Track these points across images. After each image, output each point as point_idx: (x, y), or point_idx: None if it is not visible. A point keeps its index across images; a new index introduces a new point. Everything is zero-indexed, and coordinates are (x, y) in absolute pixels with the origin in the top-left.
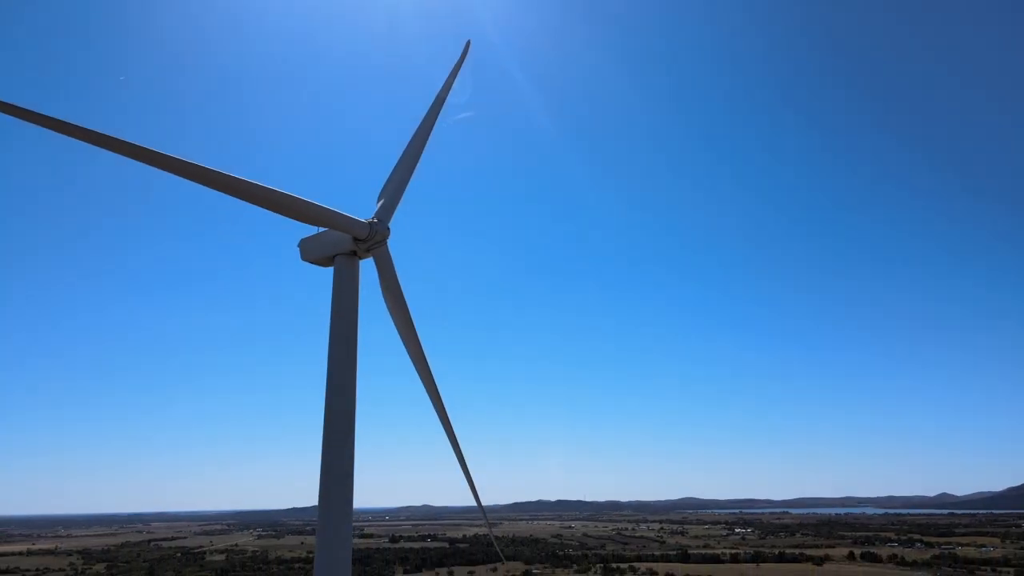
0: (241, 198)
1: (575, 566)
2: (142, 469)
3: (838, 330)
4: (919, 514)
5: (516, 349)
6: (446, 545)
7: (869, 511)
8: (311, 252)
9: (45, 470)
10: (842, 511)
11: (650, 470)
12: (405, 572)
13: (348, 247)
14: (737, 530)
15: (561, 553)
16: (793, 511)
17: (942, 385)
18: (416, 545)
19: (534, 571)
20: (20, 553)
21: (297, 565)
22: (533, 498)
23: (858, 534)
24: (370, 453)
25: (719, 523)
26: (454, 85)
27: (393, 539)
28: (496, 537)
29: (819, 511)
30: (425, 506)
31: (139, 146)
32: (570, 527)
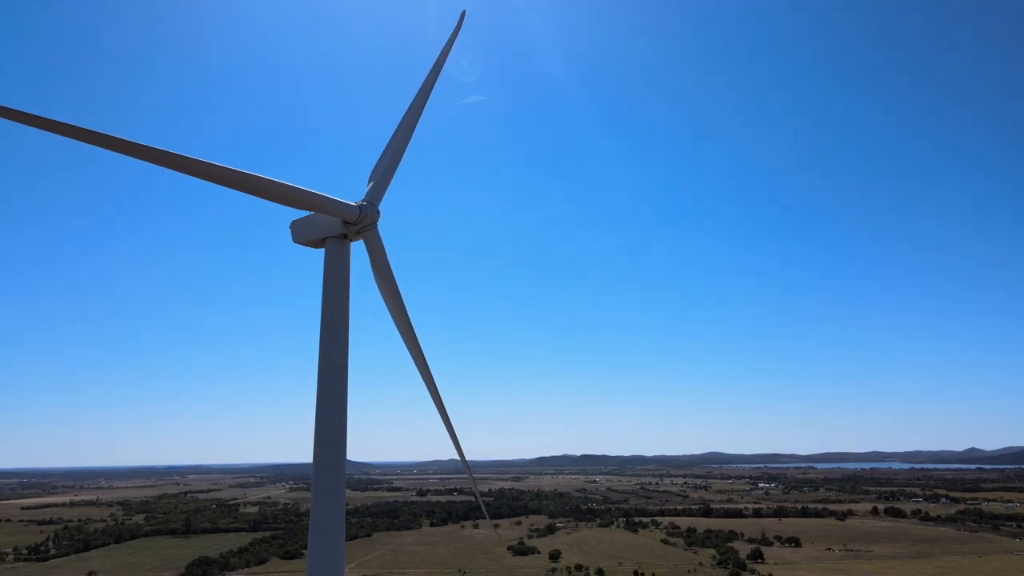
0: (230, 187)
1: (598, 520)
2: (180, 423)
3: (866, 283)
4: (946, 469)
5: (540, 305)
6: (472, 499)
7: (896, 466)
8: (302, 234)
9: (88, 424)
10: (868, 466)
11: (675, 425)
12: (432, 525)
13: (338, 230)
14: (761, 485)
15: (585, 507)
16: (818, 466)
17: (972, 339)
18: (443, 499)
19: (558, 524)
20: (64, 504)
21: None
22: (558, 452)
23: (883, 489)
24: (396, 408)
25: (743, 478)
26: (452, 65)
27: (420, 492)
28: (520, 491)
29: (845, 466)
30: (452, 460)
31: (132, 142)
32: (594, 481)
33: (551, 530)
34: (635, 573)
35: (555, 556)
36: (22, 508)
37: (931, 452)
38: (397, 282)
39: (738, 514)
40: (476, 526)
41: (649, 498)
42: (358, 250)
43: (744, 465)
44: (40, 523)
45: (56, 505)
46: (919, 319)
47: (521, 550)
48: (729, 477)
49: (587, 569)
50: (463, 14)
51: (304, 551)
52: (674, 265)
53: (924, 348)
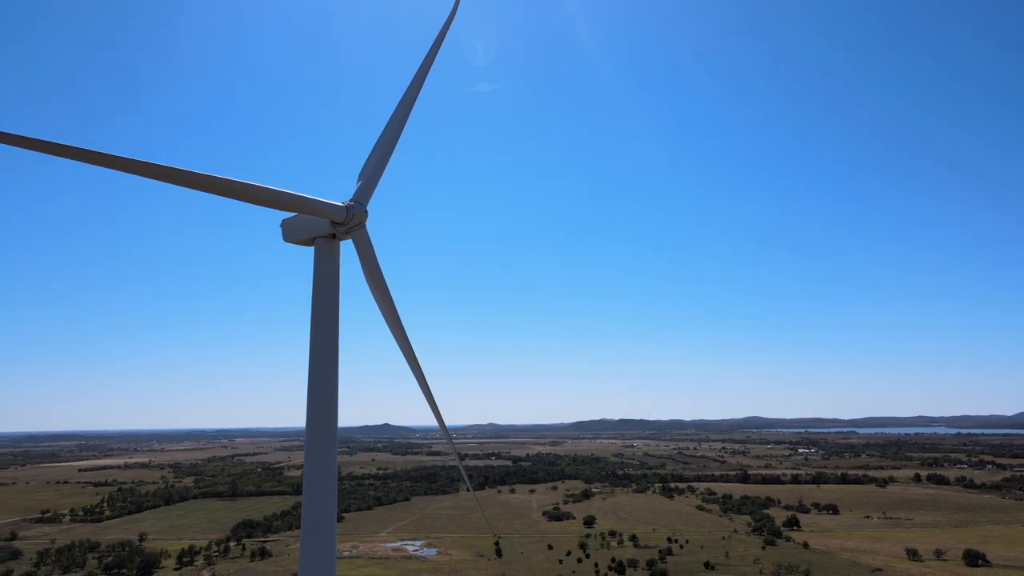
0: (218, 194)
1: (634, 485)
2: (229, 388)
3: (914, 245)
4: (994, 434)
5: (578, 269)
6: (509, 463)
7: (941, 431)
8: (291, 233)
9: (144, 389)
10: (912, 431)
11: (715, 389)
12: (468, 489)
13: (327, 230)
14: (800, 450)
15: (621, 472)
16: (861, 431)
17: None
18: (480, 463)
19: (593, 490)
20: (118, 466)
21: (367, 481)
22: (596, 417)
23: (927, 455)
24: (435, 373)
25: (783, 443)
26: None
27: (459, 457)
28: (557, 455)
29: (888, 431)
30: (491, 424)
31: (121, 157)
32: (632, 446)
33: (586, 495)
34: (668, 539)
35: (589, 522)
36: (79, 470)
37: (979, 417)
38: (386, 280)
39: (776, 480)
40: (512, 491)
41: (686, 463)
42: (349, 247)
43: (784, 430)
44: (96, 485)
45: (111, 467)
46: (967, 280)
47: (556, 515)
48: (768, 442)
49: (620, 535)
50: (457, 1)
51: (343, 514)
52: (718, 230)
53: (974, 309)
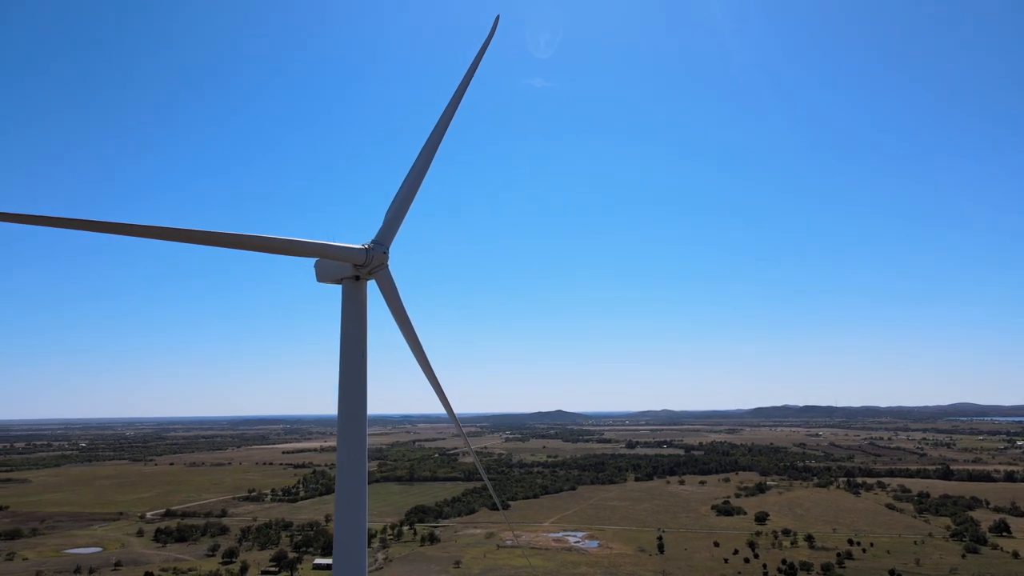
0: (241, 248)
1: (815, 479)
2: (412, 377)
3: None
4: None
5: (754, 251)
6: (681, 452)
7: None
8: (323, 275)
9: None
10: None
11: (916, 370)
12: (636, 479)
13: (350, 272)
14: (1019, 443)
15: (801, 464)
16: None
17: None
18: (651, 452)
19: (769, 483)
20: (315, 449)
21: (536, 469)
22: (779, 403)
23: None
24: (608, 359)
25: (997, 433)
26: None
27: (630, 445)
28: (732, 444)
29: None
30: (665, 411)
31: (145, 226)
32: (817, 435)
33: (761, 489)
34: (849, 542)
35: (762, 518)
36: (283, 452)
37: None
38: (411, 319)
39: (985, 477)
40: (681, 482)
41: (878, 456)
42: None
43: (1000, 418)
44: (296, 467)
45: (309, 450)
46: None
47: (726, 510)
48: (980, 432)
49: (795, 534)
50: (496, 19)
51: (510, 503)
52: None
53: None
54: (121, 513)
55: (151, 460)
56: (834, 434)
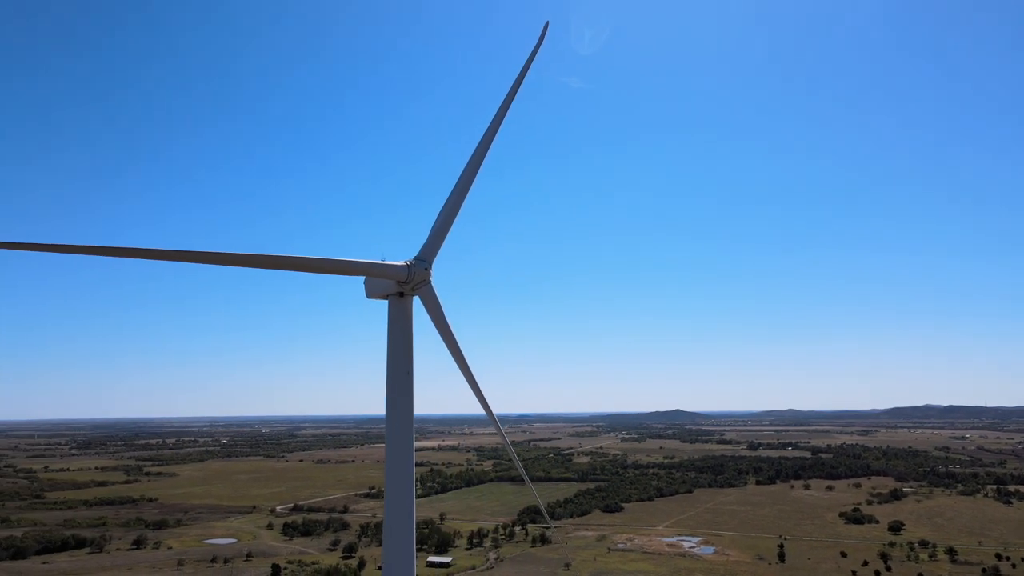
0: (286, 269)
1: (960, 486)
2: (529, 377)
3: None
4: None
5: (881, 241)
6: (807, 455)
7: None
8: (371, 292)
9: (459, 375)
10: None
11: None
12: (758, 483)
13: (394, 289)
14: None
15: (943, 469)
16: None
17: None
18: (774, 454)
19: (905, 489)
20: (433, 448)
21: (651, 470)
22: (919, 403)
23: None
24: (729, 357)
25: None
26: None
27: (751, 446)
28: (864, 447)
29: None
30: (791, 411)
31: (191, 251)
32: (963, 438)
33: (896, 496)
34: (997, 556)
35: (896, 528)
36: None
37: None
38: (455, 334)
39: None
40: (807, 486)
41: None
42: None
43: None
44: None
45: (427, 449)
46: None
47: (855, 518)
48: None
49: (934, 546)
50: (546, 26)
51: (623, 504)
52: None
53: None
54: (254, 506)
55: (283, 456)
56: (983, 436)
